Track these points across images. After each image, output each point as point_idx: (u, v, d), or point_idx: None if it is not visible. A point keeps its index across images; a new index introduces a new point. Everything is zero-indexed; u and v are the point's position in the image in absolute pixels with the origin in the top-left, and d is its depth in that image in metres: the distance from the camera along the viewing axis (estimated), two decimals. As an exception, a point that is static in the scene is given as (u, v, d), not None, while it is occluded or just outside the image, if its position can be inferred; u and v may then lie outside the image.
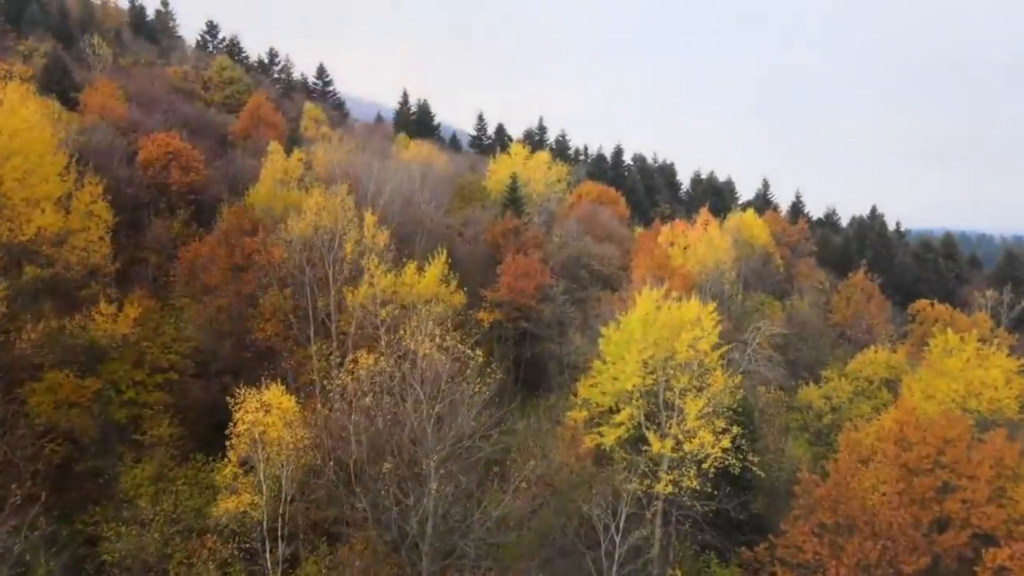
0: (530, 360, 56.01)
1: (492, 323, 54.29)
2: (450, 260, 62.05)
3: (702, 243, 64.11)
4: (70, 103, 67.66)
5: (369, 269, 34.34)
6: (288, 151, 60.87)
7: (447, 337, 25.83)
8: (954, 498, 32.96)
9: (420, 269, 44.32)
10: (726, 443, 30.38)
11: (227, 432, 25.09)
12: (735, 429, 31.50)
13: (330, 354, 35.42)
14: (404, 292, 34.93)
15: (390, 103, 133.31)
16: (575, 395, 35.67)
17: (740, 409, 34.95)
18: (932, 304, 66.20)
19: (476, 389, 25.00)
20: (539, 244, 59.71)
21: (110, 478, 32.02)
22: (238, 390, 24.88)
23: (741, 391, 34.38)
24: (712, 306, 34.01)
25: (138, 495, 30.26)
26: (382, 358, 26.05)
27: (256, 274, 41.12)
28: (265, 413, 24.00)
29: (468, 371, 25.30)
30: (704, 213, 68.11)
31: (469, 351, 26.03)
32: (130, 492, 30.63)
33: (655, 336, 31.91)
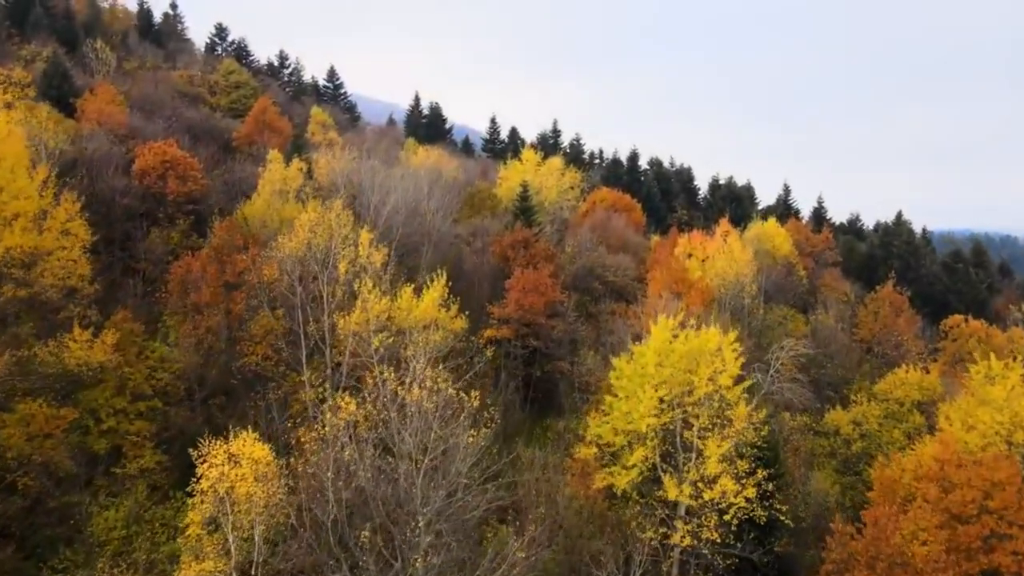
0: (540, 379, 53.31)
1: (500, 340, 51.70)
2: (457, 273, 59.76)
3: (722, 255, 61.01)
4: (69, 109, 65.98)
5: (362, 293, 31.82)
6: (292, 158, 58.64)
7: (439, 379, 23.22)
8: (1003, 549, 29.88)
9: (422, 288, 41.95)
10: (751, 492, 27.52)
11: (189, 489, 22.67)
12: (760, 473, 28.61)
13: (323, 383, 32.98)
14: (401, 317, 32.38)
15: (406, 103, 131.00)
16: (584, 431, 32.86)
17: (766, 445, 32.05)
18: (966, 320, 62.70)
19: (470, 439, 22.35)
20: (550, 256, 56.96)
21: (81, 519, 29.72)
22: (201, 441, 22.46)
23: (766, 427, 31.48)
24: (733, 335, 31.11)
25: (109, 539, 27.90)
26: (367, 403, 23.50)
27: (247, 294, 38.82)
28: (234, 465, 21.56)
29: (463, 416, 22.68)
30: (724, 224, 64.98)
31: (464, 394, 23.41)
32: (101, 536, 28.30)
33: (671, 370, 29.12)
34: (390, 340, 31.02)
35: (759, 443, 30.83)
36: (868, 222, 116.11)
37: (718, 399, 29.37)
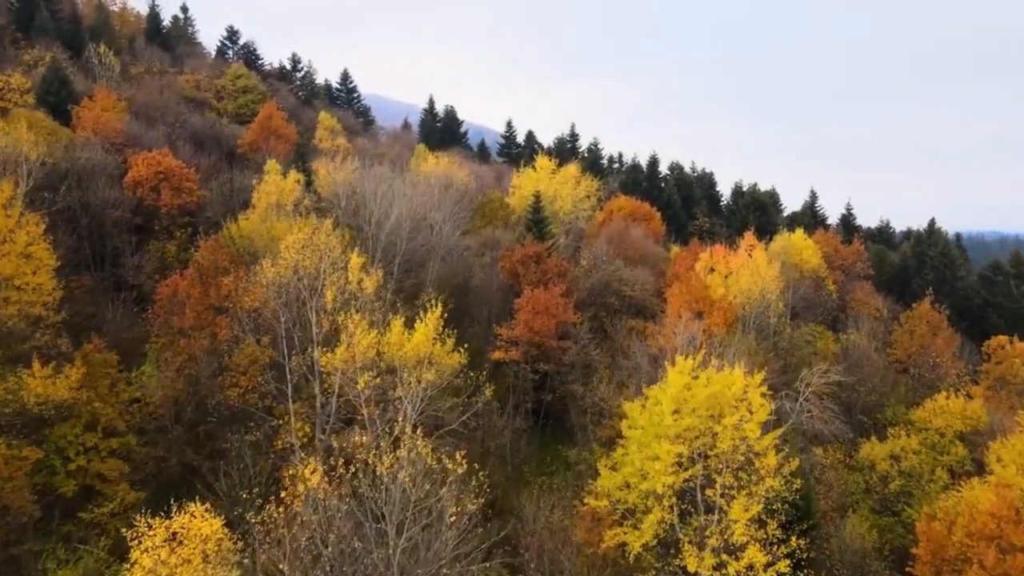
0: (551, 403, 50.08)
1: (508, 363, 48.58)
2: (464, 289, 56.77)
3: (746, 270, 57.27)
4: (68, 117, 63.77)
5: (347, 327, 28.78)
6: (296, 166, 55.97)
7: (419, 444, 20.11)
8: (1073, 623, 26.18)
9: (426, 307, 38.95)
10: (783, 567, 24.04)
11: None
12: (794, 541, 25.13)
13: (302, 425, 29.96)
14: (392, 352, 29.25)
15: (424, 104, 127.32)
16: (594, 481, 29.50)
17: (797, 496, 28.49)
18: (1011, 341, 58.40)
19: (452, 517, 19.17)
20: (563, 272, 53.62)
21: (35, 577, 26.97)
22: (138, 519, 19.47)
23: (799, 480, 27.94)
24: (759, 377, 27.56)
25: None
26: (338, 472, 20.39)
27: (231, 319, 35.94)
28: (178, 546, 18.53)
29: (446, 487, 19.53)
30: (749, 237, 61.17)
31: (448, 458, 20.28)
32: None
33: (691, 420, 25.72)
34: (377, 380, 27.95)
35: (791, 497, 27.33)
36: (873, 222, 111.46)
37: (744, 451, 25.90)
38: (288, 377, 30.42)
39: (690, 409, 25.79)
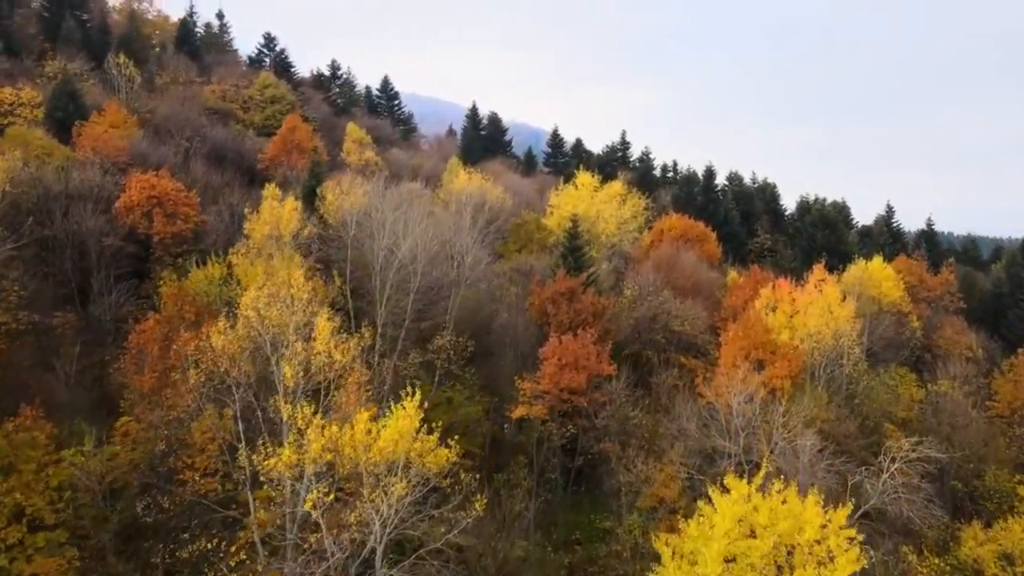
0: (582, 465, 43.29)
1: (532, 420, 42.03)
2: (485, 328, 50.35)
3: (816, 309, 49.12)
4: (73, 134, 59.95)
5: (296, 422, 22.58)
6: (295, 192, 50.49)
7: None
8: None
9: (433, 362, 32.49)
10: None
11: None
12: None
13: (260, 526, 23.95)
14: (357, 454, 22.78)
15: (480, 106, 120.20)
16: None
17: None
18: None
19: None
20: (599, 312, 46.59)
21: None
22: None
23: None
24: (844, 513, 20.09)
25: None
26: None
27: (199, 382, 30.22)
28: None
29: None
30: (818, 270, 52.81)
31: None
32: None
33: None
34: (330, 498, 21.69)
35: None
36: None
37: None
38: (248, 476, 24.41)
39: (745, 565, 18.70)
